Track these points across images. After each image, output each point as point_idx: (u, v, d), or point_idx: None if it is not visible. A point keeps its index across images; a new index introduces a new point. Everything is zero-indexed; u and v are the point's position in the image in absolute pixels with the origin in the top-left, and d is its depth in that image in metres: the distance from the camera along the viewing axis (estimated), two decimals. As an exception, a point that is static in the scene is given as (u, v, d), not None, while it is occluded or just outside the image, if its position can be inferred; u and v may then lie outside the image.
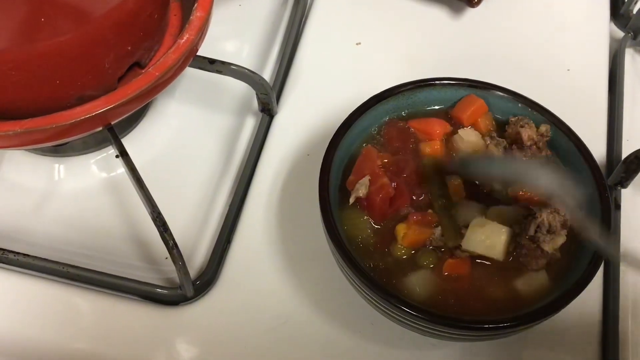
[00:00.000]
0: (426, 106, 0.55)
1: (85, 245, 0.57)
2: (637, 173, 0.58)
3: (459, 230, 0.48)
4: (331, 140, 0.51)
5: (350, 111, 0.53)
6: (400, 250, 0.48)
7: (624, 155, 0.60)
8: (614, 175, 0.59)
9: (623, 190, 0.59)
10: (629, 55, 0.70)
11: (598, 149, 0.62)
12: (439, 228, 0.48)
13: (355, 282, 0.46)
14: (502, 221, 0.48)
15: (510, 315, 0.44)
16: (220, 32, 0.67)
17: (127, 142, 0.61)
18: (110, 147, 0.61)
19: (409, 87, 0.54)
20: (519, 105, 0.54)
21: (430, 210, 0.49)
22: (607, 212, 0.48)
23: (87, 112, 0.48)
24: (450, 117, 0.55)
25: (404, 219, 0.49)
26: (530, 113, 0.53)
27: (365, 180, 0.50)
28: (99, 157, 0.62)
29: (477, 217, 0.48)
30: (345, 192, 0.51)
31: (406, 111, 0.55)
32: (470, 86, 0.54)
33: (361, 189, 0.49)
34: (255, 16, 0.73)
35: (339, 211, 0.49)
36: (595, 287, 0.54)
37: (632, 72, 0.69)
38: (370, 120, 0.54)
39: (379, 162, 0.51)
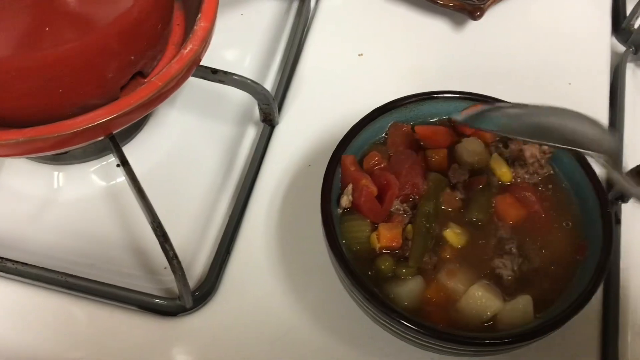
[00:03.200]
0: (429, 118, 0.55)
1: (84, 254, 0.57)
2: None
3: (423, 254, 0.48)
4: (333, 153, 0.51)
5: (352, 122, 0.53)
6: (383, 262, 0.48)
7: (625, 169, 0.60)
8: (614, 189, 0.59)
9: (623, 205, 0.59)
10: (630, 69, 0.70)
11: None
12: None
13: (356, 296, 0.46)
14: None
15: (510, 332, 0.43)
16: (222, 41, 0.66)
17: (128, 150, 0.61)
18: (110, 155, 0.60)
19: (412, 99, 0.54)
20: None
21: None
22: (609, 227, 0.48)
23: (89, 122, 0.48)
24: (452, 125, 0.55)
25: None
26: (533, 127, 0.53)
27: (349, 188, 0.50)
28: (99, 166, 0.61)
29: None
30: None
31: (409, 123, 0.55)
32: (473, 99, 0.54)
33: (344, 200, 0.50)
34: (257, 26, 0.73)
35: (341, 223, 0.49)
36: (595, 300, 0.53)
37: (633, 87, 0.69)
38: (372, 132, 0.54)
39: (353, 168, 0.50)
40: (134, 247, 0.57)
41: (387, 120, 0.53)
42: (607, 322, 0.53)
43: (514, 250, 0.48)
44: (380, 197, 0.50)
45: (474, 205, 0.50)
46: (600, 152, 0.41)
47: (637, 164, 0.57)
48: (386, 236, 0.48)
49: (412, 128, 0.54)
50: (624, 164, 0.62)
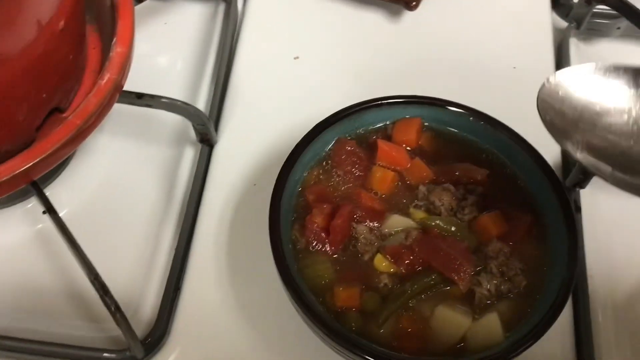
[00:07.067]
0: (373, 125, 0.53)
1: (19, 308, 0.52)
2: (595, 173, 0.56)
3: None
4: (277, 177, 0.47)
5: (296, 133, 0.50)
6: (351, 320, 0.45)
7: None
8: (571, 176, 0.57)
9: (582, 191, 0.58)
10: (574, 45, 0.67)
11: (553, 150, 0.60)
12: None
13: (315, 330, 0.43)
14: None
15: (479, 356, 0.41)
16: (146, 55, 0.62)
17: (55, 188, 0.57)
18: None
19: (354, 109, 0.51)
20: (471, 119, 0.51)
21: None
22: (570, 217, 0.47)
23: (5, 173, 0.43)
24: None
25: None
26: (483, 127, 0.51)
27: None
28: (27, 207, 0.57)
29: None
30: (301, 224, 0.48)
31: (355, 132, 0.52)
32: (418, 103, 0.51)
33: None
34: (184, 34, 0.68)
35: (295, 248, 0.46)
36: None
37: (579, 63, 0.67)
38: (318, 147, 0.51)
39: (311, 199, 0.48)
40: (74, 294, 0.53)
41: (332, 134, 0.50)
42: (578, 315, 0.52)
43: (494, 270, 0.46)
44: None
45: None
46: None
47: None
48: (341, 297, 0.45)
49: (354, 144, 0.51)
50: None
